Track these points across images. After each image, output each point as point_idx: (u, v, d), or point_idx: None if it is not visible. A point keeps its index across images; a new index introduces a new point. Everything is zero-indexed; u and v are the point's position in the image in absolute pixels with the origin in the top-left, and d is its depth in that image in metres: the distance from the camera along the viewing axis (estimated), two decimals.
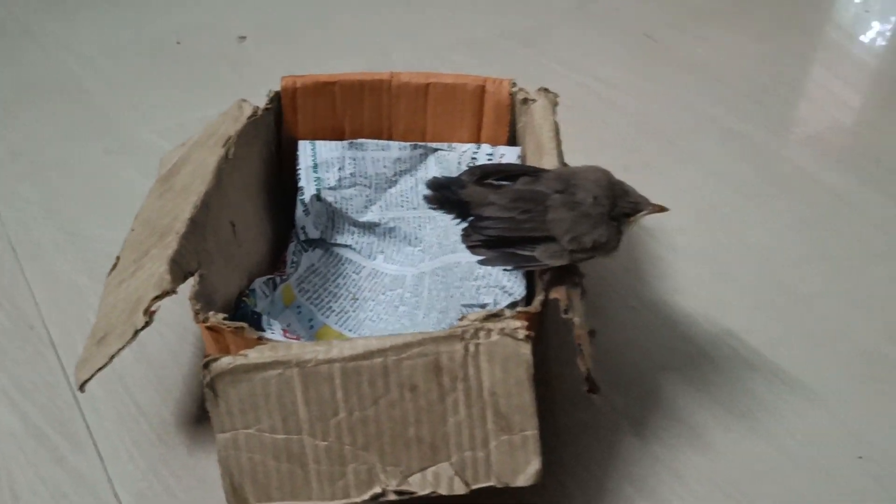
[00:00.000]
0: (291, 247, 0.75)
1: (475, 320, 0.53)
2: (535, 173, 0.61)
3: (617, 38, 1.18)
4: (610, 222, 0.57)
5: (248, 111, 0.71)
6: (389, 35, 1.16)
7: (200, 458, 0.63)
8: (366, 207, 0.77)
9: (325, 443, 0.53)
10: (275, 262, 0.74)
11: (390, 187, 0.77)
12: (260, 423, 0.52)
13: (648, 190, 0.90)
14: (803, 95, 1.08)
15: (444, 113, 0.75)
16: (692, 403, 0.69)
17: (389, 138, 0.77)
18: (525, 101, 0.73)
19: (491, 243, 0.59)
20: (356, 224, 0.77)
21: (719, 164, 0.95)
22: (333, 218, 0.77)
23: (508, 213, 0.58)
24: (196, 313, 0.54)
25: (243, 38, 1.14)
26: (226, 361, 0.51)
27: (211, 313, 0.54)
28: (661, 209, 0.57)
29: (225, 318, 0.54)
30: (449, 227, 0.71)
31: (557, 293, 0.56)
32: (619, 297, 0.79)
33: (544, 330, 0.64)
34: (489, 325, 0.52)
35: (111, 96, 1.05)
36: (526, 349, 0.52)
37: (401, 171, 0.77)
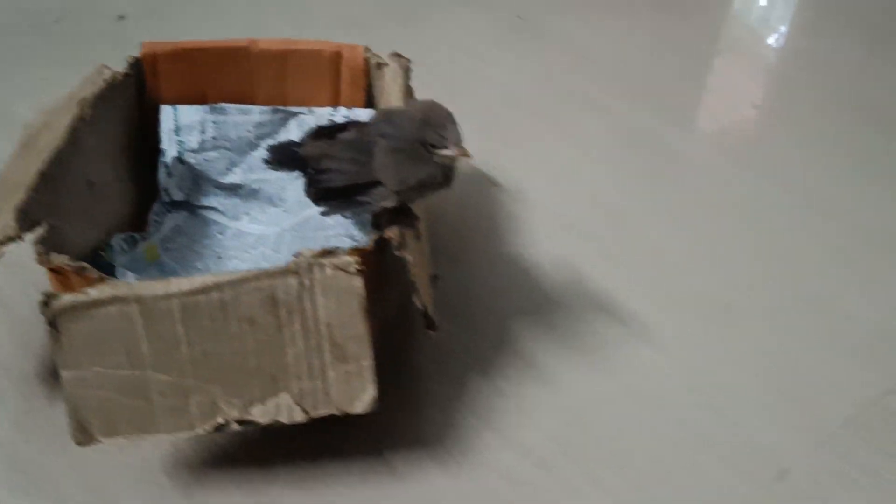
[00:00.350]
0: (155, 207, 0.77)
1: (310, 256, 0.56)
2: (366, 122, 0.65)
3: (492, 18, 1.23)
4: (432, 160, 0.60)
5: (107, 75, 0.73)
6: (269, 13, 1.18)
7: (62, 409, 0.65)
8: (228, 170, 0.80)
9: (168, 376, 0.56)
10: (139, 223, 0.76)
11: (253, 150, 0.80)
12: (104, 359, 0.55)
13: (508, 154, 0.96)
14: (660, 69, 1.14)
15: (303, 78, 0.79)
16: (539, 344, 0.74)
17: (252, 103, 0.80)
18: (378, 65, 0.77)
19: (331, 194, 0.63)
20: (220, 186, 0.80)
21: (576, 131, 1.01)
22: (198, 181, 0.80)
23: (339, 164, 0.62)
24: (39, 255, 0.57)
25: (122, 17, 1.15)
26: (67, 299, 0.53)
27: (53, 255, 0.57)
28: (464, 154, 0.60)
29: (69, 261, 0.56)
30: None
31: (390, 233, 0.60)
32: (477, 251, 0.83)
33: (388, 270, 0.67)
34: (323, 260, 0.56)
35: None
36: (358, 282, 0.56)
37: (263, 134, 0.80)
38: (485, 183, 0.92)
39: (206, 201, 0.80)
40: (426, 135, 0.59)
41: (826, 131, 1.05)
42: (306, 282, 0.56)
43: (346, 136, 0.63)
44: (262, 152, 0.80)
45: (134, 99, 0.77)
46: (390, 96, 0.73)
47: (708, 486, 0.64)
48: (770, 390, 0.71)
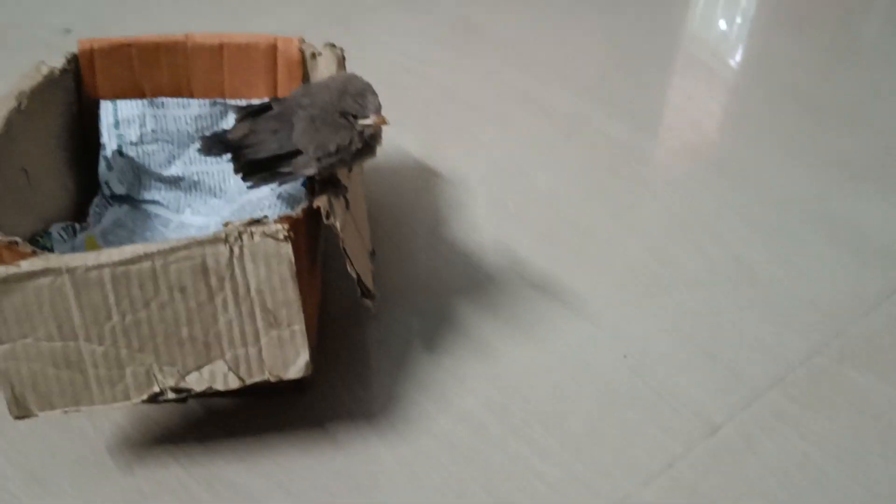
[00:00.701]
0: (95, 200, 0.78)
1: (240, 224, 0.57)
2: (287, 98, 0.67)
3: (433, 22, 1.26)
4: (350, 126, 0.62)
5: (45, 70, 0.74)
6: (208, 25, 1.20)
7: None
8: (169, 162, 0.81)
9: (102, 347, 0.57)
10: (80, 216, 0.77)
11: (193, 143, 0.81)
12: (36, 331, 0.56)
13: (449, 147, 0.99)
14: (594, 62, 1.18)
15: (240, 71, 0.80)
16: (479, 321, 0.76)
17: (190, 97, 0.81)
18: (313, 55, 0.79)
19: (255, 167, 0.64)
20: (161, 179, 0.81)
21: (516, 123, 1.04)
22: (139, 174, 0.81)
23: (261, 136, 0.63)
24: None
25: (69, 31, 1.17)
26: None
27: None
28: (382, 121, 0.61)
29: (1, 235, 0.57)
30: None
31: (319, 202, 0.61)
32: (420, 237, 0.85)
33: (321, 241, 0.69)
34: (252, 228, 0.57)
35: None
36: (287, 249, 0.57)
37: (202, 127, 0.81)
38: (426, 174, 0.94)
39: (147, 195, 0.81)
40: (345, 104, 0.61)
41: (750, 113, 1.09)
42: (236, 249, 0.57)
43: (268, 113, 0.65)
44: None
45: (73, 94, 0.78)
46: None
47: (641, 446, 0.66)
48: (699, 355, 0.74)
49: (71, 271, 0.55)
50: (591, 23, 1.30)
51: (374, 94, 0.61)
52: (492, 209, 0.90)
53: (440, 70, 1.13)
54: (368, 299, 0.65)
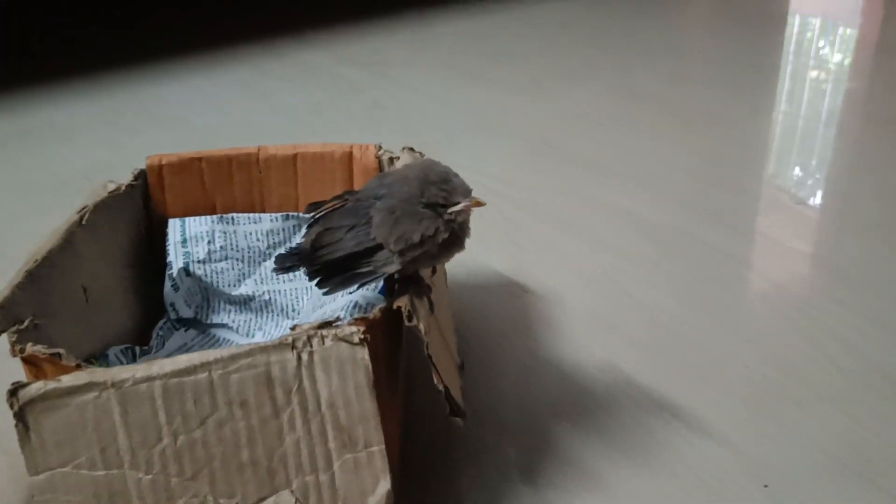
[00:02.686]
0: (160, 323, 0.73)
1: (309, 328, 0.50)
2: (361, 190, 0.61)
3: (513, 144, 1.22)
4: (434, 215, 0.55)
5: (111, 187, 0.71)
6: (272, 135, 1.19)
7: None
8: (239, 281, 0.75)
9: (150, 476, 0.48)
10: (142, 340, 0.71)
11: (264, 260, 0.76)
12: (77, 457, 0.48)
13: (536, 258, 0.91)
14: (688, 176, 1.11)
15: (314, 181, 0.76)
16: (585, 447, 0.66)
17: (263, 211, 0.77)
18: (391, 160, 0.74)
19: (331, 269, 0.57)
20: (231, 300, 0.75)
21: (606, 235, 0.96)
22: (208, 296, 0.75)
23: (336, 234, 0.57)
24: (12, 346, 0.51)
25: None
26: (36, 387, 0.48)
27: (29, 344, 0.51)
28: (477, 203, 0.55)
29: (43, 349, 0.51)
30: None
31: (399, 301, 0.54)
32: (512, 355, 0.76)
33: (403, 348, 0.61)
34: (322, 331, 0.50)
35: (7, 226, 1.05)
36: (363, 353, 0.49)
37: (274, 242, 0.76)
38: (514, 289, 0.86)
39: (216, 318, 0.75)
40: (428, 194, 0.55)
41: (858, 211, 0.98)
42: (304, 356, 0.49)
43: (342, 208, 0.59)
44: (272, 261, 0.76)
45: (140, 211, 0.74)
46: None
47: None
48: (853, 480, 0.61)
49: (117, 385, 0.48)
50: (674, 137, 1.24)
51: (458, 176, 0.55)
52: (588, 324, 0.81)
53: (523, 189, 1.07)
54: (458, 417, 0.55)
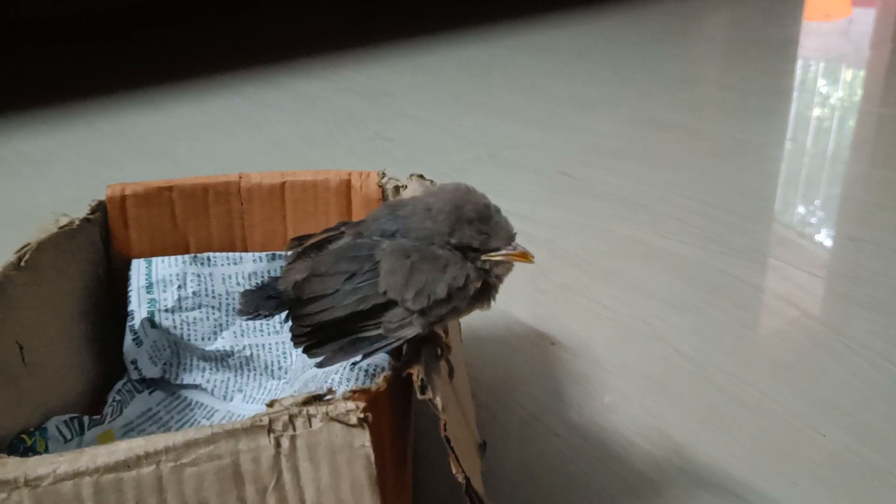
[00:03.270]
0: (118, 385, 0.60)
1: (291, 405, 0.38)
2: (362, 221, 0.48)
3: (533, 179, 1.11)
4: (461, 258, 0.43)
5: (62, 222, 0.59)
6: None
7: None
8: (215, 333, 0.63)
9: None
10: (96, 406, 0.59)
11: None
12: None
13: (563, 305, 0.79)
14: (723, 211, 0.99)
15: (305, 215, 0.64)
16: None
17: (244, 250, 0.65)
18: (397, 189, 0.63)
19: (326, 332, 0.45)
20: (205, 357, 0.63)
21: (642, 278, 0.84)
22: (178, 351, 0.63)
23: (331, 283, 0.44)
24: None
25: None
26: None
27: None
28: (525, 257, 0.43)
29: None
30: None
31: (412, 369, 0.42)
32: (542, 424, 0.64)
33: (411, 426, 0.49)
34: (309, 409, 0.38)
35: None
36: (363, 438, 0.37)
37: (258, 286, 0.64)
38: (539, 342, 0.74)
39: (187, 377, 0.63)
40: (460, 233, 0.43)
41: None
42: (285, 443, 0.37)
43: (339, 243, 0.47)
44: None
45: (98, 250, 0.62)
46: None
47: None
48: None
49: (33, 483, 0.36)
50: (704, 167, 1.12)
51: (500, 212, 0.43)
52: (629, 384, 0.68)
53: (543, 227, 0.95)
54: None
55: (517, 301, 0.80)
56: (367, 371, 0.52)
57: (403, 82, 1.56)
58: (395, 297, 0.43)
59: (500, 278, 0.45)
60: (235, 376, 0.64)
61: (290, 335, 0.58)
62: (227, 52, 1.82)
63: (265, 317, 0.48)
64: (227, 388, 0.63)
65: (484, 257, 0.43)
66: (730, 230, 0.94)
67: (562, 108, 1.39)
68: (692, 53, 1.83)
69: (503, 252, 0.43)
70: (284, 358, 0.63)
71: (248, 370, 0.64)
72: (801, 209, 1.01)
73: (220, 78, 1.56)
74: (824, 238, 0.93)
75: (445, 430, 0.40)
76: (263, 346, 0.64)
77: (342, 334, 0.45)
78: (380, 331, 0.44)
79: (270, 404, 0.38)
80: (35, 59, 1.78)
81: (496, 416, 0.64)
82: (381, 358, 0.51)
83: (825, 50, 1.75)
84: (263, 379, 0.63)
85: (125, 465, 0.36)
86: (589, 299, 0.81)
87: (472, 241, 0.43)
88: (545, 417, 0.64)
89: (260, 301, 0.47)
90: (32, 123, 1.34)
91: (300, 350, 0.46)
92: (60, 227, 0.58)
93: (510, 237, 0.43)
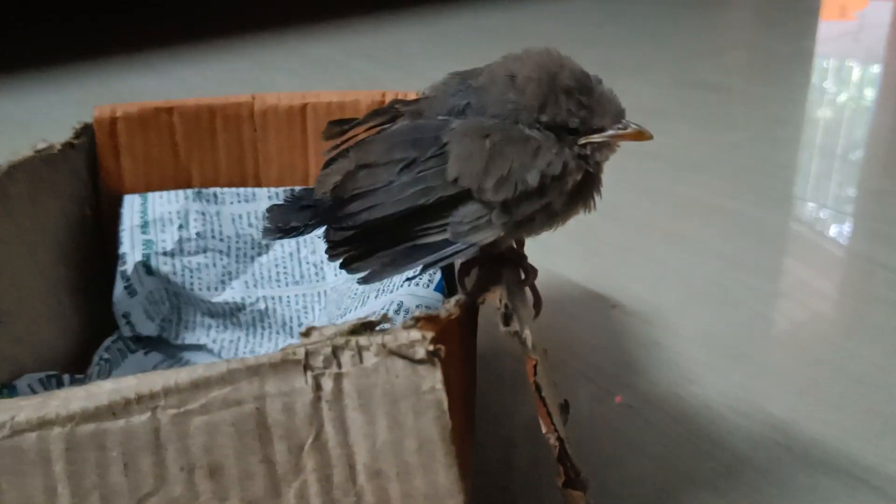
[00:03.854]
0: (107, 342, 0.50)
1: (335, 334, 0.28)
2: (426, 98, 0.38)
3: None
4: (558, 142, 0.33)
5: (41, 146, 0.49)
6: None
7: None
8: (223, 283, 0.53)
9: None
10: (80, 364, 0.48)
11: (260, 254, 0.54)
12: None
13: (622, 267, 0.69)
14: (790, 170, 0.89)
15: (331, 145, 0.54)
16: None
17: (258, 185, 0.55)
18: None
19: (372, 241, 0.35)
20: (211, 311, 0.53)
21: (708, 239, 0.74)
22: (178, 304, 0.53)
23: (383, 175, 0.34)
24: None
25: None
26: None
27: None
28: (641, 136, 0.34)
29: None
30: (345, 288, 0.49)
31: (489, 294, 0.32)
32: (610, 395, 0.54)
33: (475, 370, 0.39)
34: (360, 339, 0.27)
35: None
36: (433, 379, 0.27)
37: None
38: (601, 306, 0.64)
39: (189, 336, 0.53)
40: (553, 107, 0.33)
41: None
42: (328, 383, 0.27)
43: (392, 129, 0.37)
44: (272, 254, 0.54)
45: (83, 183, 0.52)
46: None
47: None
48: None
49: None
50: (758, 130, 1.02)
51: (603, 83, 0.33)
52: (708, 351, 0.58)
53: None
54: (576, 490, 0.33)
55: (569, 263, 0.69)
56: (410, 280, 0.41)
57: (422, 48, 1.45)
58: (471, 186, 0.32)
59: (598, 167, 0.35)
60: (247, 335, 0.53)
61: (314, 285, 0.48)
62: (230, 12, 1.72)
63: (298, 232, 0.37)
64: (236, 348, 0.53)
65: (584, 140, 0.33)
66: (800, 190, 0.84)
67: (597, 71, 1.28)
68: (724, 21, 1.74)
69: (610, 133, 0.33)
70: (307, 312, 0.53)
71: (263, 327, 0.53)
72: (864, 164, 0.91)
73: (223, 40, 1.46)
74: None
75: (536, 374, 0.30)
76: (281, 298, 0.53)
77: (395, 241, 0.34)
78: (446, 235, 0.33)
79: (306, 333, 0.28)
80: (25, 21, 1.68)
81: (559, 387, 0.54)
82: (433, 297, 0.41)
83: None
84: (280, 338, 0.53)
85: (109, 411, 0.26)
86: (651, 260, 0.70)
87: (571, 120, 0.33)
88: (616, 389, 0.54)
89: (290, 213, 0.37)
90: (19, 85, 1.23)
91: (337, 265, 0.35)
92: (37, 153, 0.48)
93: (619, 113, 0.33)
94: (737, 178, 0.87)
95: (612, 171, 0.87)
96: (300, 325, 0.53)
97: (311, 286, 0.53)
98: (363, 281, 0.34)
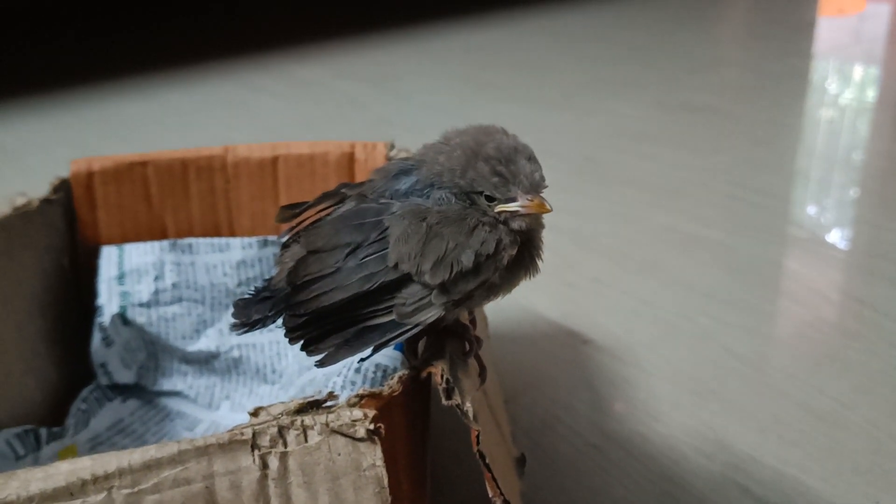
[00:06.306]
0: (84, 392, 0.52)
1: (281, 413, 0.29)
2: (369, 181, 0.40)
3: (557, 164, 1.02)
4: (492, 220, 0.35)
5: (19, 202, 0.51)
6: None
7: None
8: (198, 332, 0.55)
9: None
10: (57, 417, 0.50)
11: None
12: None
13: (594, 300, 0.70)
14: (768, 196, 0.90)
15: (301, 194, 0.55)
16: None
17: (231, 235, 0.56)
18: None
19: (325, 325, 0.36)
20: (187, 359, 0.54)
21: (682, 270, 0.75)
22: (155, 352, 0.54)
23: (330, 262, 0.36)
24: None
25: None
26: None
27: None
28: (540, 206, 0.35)
29: None
30: None
31: (434, 368, 0.33)
32: (577, 435, 0.55)
33: (429, 439, 0.40)
34: (305, 418, 0.29)
35: None
36: (373, 456, 0.29)
37: (247, 278, 0.55)
38: (571, 342, 0.65)
39: (166, 383, 0.54)
40: (472, 173, 0.34)
41: None
42: (273, 462, 0.29)
43: (340, 210, 0.38)
44: None
45: (61, 236, 0.54)
46: None
47: None
48: None
49: None
50: (740, 152, 1.03)
51: (533, 159, 0.35)
52: (676, 388, 0.59)
53: (570, 216, 0.86)
54: None
55: (542, 296, 0.71)
56: (374, 374, 0.43)
57: (408, 67, 1.47)
58: (409, 270, 0.34)
59: (531, 237, 0.36)
60: (222, 381, 0.55)
61: (287, 338, 0.49)
62: (219, 36, 1.74)
63: (260, 324, 0.39)
64: (212, 394, 0.54)
65: (500, 207, 0.35)
66: (778, 218, 0.85)
67: (582, 91, 1.30)
68: (714, 36, 1.75)
69: (518, 202, 0.34)
70: (279, 359, 0.55)
71: (237, 374, 0.55)
72: (851, 192, 0.92)
73: (211, 63, 1.48)
74: (886, 221, 0.84)
75: (478, 443, 0.32)
76: (254, 345, 0.55)
77: (346, 323, 0.36)
78: (392, 316, 0.35)
79: (255, 413, 0.29)
80: (14, 46, 1.70)
81: (526, 427, 0.55)
82: (391, 357, 0.42)
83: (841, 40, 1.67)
84: (254, 384, 0.55)
85: (67, 492, 0.28)
86: (624, 293, 0.72)
87: (484, 185, 0.34)
88: (581, 427, 0.56)
89: (252, 306, 0.38)
90: (5, 111, 1.25)
91: (297, 348, 0.37)
92: (15, 209, 0.50)
93: (533, 186, 0.35)
94: (715, 205, 0.88)
95: (592, 199, 0.89)
96: (273, 370, 0.55)
97: (283, 333, 0.55)
98: (319, 364, 0.36)
